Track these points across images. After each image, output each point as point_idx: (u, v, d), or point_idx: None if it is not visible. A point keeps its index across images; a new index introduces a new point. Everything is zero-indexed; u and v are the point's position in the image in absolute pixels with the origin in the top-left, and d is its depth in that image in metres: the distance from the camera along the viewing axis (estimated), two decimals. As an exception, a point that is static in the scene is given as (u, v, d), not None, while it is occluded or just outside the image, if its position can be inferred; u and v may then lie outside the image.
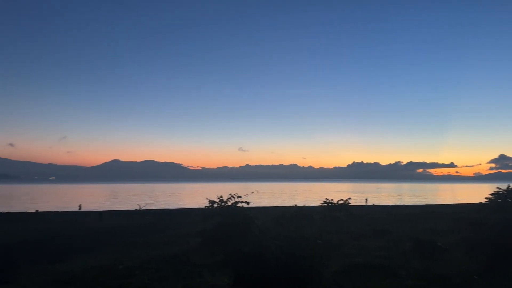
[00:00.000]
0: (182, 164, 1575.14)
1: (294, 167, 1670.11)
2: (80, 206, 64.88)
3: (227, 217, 14.90)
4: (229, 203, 15.97)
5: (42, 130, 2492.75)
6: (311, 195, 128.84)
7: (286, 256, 12.16)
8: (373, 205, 69.43)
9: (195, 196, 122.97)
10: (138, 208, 59.82)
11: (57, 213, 53.94)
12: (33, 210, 57.69)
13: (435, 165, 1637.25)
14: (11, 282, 13.01)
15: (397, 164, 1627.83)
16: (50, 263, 16.49)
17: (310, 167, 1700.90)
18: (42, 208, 62.86)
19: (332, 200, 34.79)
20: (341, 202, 34.38)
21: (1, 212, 54.15)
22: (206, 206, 16.24)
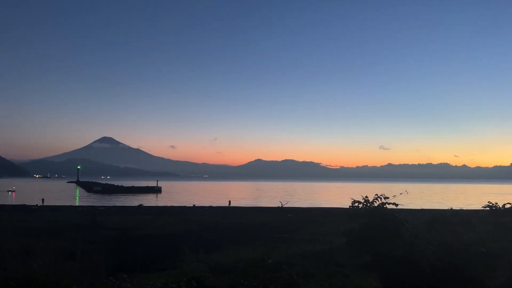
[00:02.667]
0: (320, 163, 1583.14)
1: (444, 166, 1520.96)
2: (229, 202, 70.54)
3: (374, 218, 14.19)
4: (376, 204, 15.18)
5: (197, 133, 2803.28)
6: (467, 197, 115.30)
7: (443, 263, 10.99)
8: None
9: (334, 195, 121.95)
10: (280, 205, 62.17)
11: (210, 207, 59.69)
12: (191, 205, 65.06)
13: None
14: (175, 268, 14.76)
15: None
16: (206, 253, 18.21)
17: (464, 166, 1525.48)
18: (198, 203, 70.36)
19: (496, 203, 30.25)
20: (508, 205, 29.63)
21: (165, 206, 62.50)
22: (350, 206, 15.77)
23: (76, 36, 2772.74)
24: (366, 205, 15.32)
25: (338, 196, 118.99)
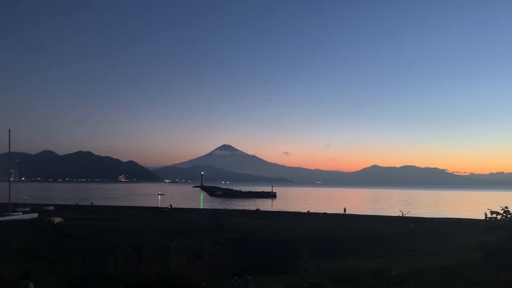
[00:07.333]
0: (446, 170, 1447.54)
1: None
2: (344, 209, 68.95)
3: (515, 231, 12.44)
4: (518, 215, 13.25)
5: (309, 140, 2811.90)
6: None
7: None
8: None
9: (463, 205, 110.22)
10: (400, 214, 58.49)
11: (325, 214, 59.07)
12: (305, 211, 65.30)
13: None
14: (293, 273, 14.91)
15: None
16: (325, 260, 18.04)
17: None
18: (313, 210, 70.22)
19: None
20: None
21: (280, 211, 63.83)
22: (485, 217, 14.02)
23: (203, 54, 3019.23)
24: (506, 216, 13.45)
25: (468, 206, 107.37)
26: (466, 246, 23.37)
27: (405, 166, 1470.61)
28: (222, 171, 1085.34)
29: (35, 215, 42.77)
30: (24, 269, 10.61)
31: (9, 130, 42.38)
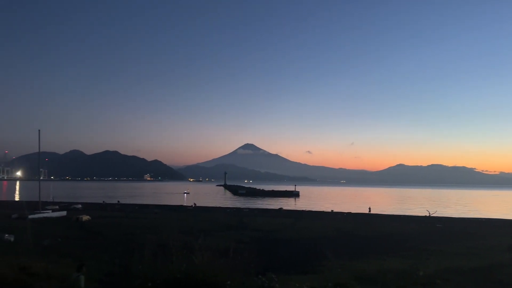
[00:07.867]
0: (474, 169, 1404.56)
1: None
2: (369, 209, 67.99)
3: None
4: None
5: (333, 138, 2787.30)
6: None
7: None
8: None
9: (493, 205, 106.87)
10: (427, 214, 57.28)
11: (349, 214, 58.39)
12: (329, 210, 64.75)
13: None
14: (317, 273, 14.83)
15: None
16: (349, 260, 17.86)
17: None
18: (336, 209, 69.61)
19: None
20: None
21: (304, 210, 63.50)
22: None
23: (227, 53, 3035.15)
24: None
25: (498, 205, 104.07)
26: (496, 247, 22.71)
27: (432, 165, 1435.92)
28: (245, 170, 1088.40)
29: (64, 213, 44.02)
30: (78, 263, 10.93)
31: (39, 130, 43.60)
